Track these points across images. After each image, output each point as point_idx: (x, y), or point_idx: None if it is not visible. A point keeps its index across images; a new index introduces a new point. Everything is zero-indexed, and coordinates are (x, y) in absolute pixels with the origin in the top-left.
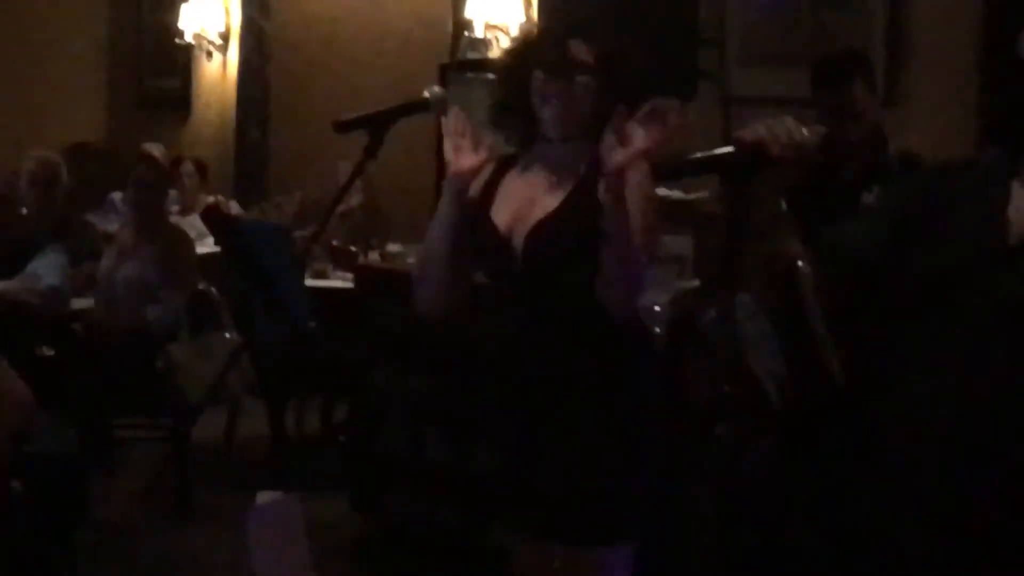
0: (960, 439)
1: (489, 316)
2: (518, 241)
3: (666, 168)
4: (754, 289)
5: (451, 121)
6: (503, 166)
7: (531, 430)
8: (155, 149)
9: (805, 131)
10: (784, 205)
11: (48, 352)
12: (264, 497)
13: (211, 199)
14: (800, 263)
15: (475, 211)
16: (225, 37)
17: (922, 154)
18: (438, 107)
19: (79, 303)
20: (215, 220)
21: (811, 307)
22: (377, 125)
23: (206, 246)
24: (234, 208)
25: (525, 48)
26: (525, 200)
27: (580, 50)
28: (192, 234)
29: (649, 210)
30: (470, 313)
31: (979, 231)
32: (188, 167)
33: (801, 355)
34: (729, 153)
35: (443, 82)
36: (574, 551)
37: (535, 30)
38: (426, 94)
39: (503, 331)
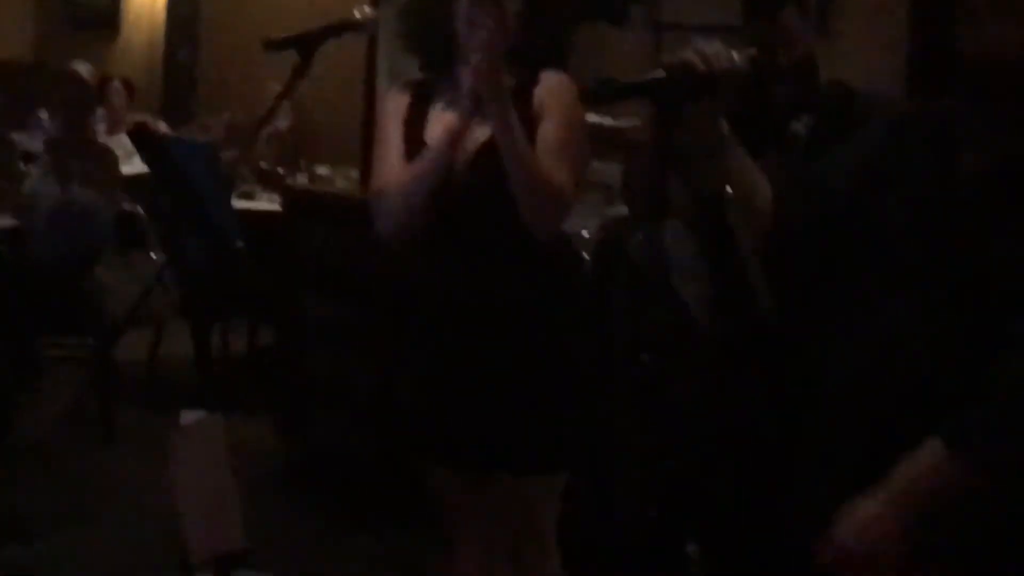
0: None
1: (423, 243)
2: (458, 168)
3: (595, 94)
4: (682, 214)
5: None
6: (422, 93)
7: (462, 360)
8: (82, 68)
9: (735, 55)
10: (726, 127)
11: None
12: (187, 417)
13: (139, 118)
14: (728, 188)
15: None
16: None
17: (853, 85)
18: (368, 29)
19: (2, 222)
20: (143, 139)
21: (739, 232)
22: (307, 45)
23: (133, 166)
24: (162, 128)
25: None
26: (455, 121)
27: None
28: (119, 153)
29: (577, 138)
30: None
31: (930, 187)
32: (116, 86)
33: (728, 279)
34: (658, 78)
35: (375, 3)
36: (507, 482)
37: None
38: (357, 15)
39: (437, 258)
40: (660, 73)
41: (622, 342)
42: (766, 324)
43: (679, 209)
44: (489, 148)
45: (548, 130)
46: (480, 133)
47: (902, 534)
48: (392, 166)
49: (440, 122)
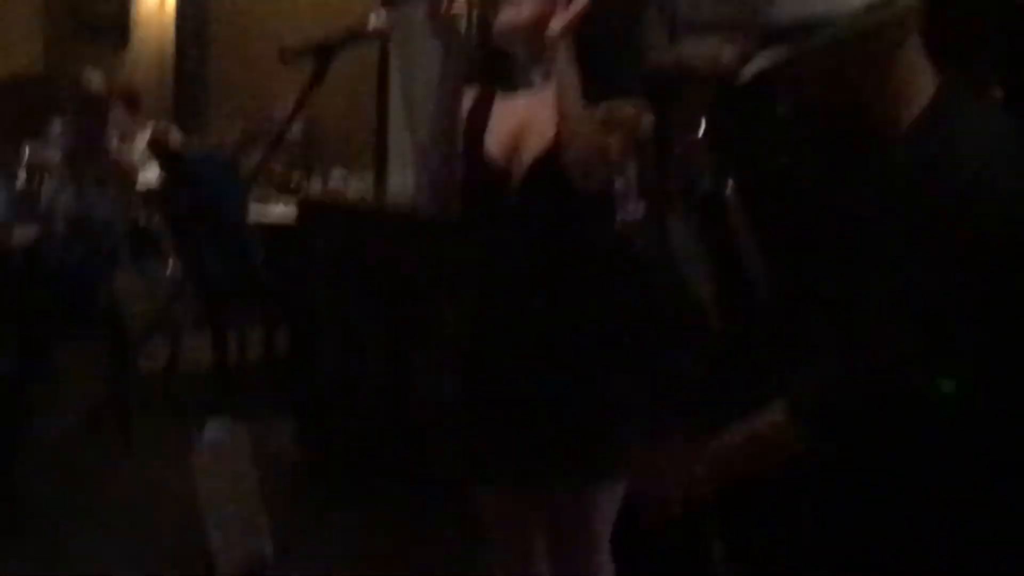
0: None
1: (469, 245)
2: (515, 175)
3: (598, 90)
4: (685, 209)
5: None
6: (486, 92)
7: (517, 378)
8: (94, 77)
9: (726, 51)
10: (702, 128)
11: None
12: (211, 429)
13: (153, 125)
14: (729, 185)
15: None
16: None
17: None
18: (383, 35)
19: (21, 234)
20: (163, 153)
21: (739, 226)
22: (323, 54)
23: (147, 175)
24: (175, 137)
25: None
26: (514, 129)
27: None
28: (133, 163)
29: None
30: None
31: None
32: (120, 98)
33: (729, 273)
34: (653, 73)
35: (385, 4)
36: (567, 496)
37: None
38: (372, 21)
39: (491, 271)
40: (656, 70)
41: (635, 339)
42: (767, 314)
43: (683, 204)
44: (544, 162)
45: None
46: (535, 146)
47: (714, 472)
48: None
49: (503, 111)
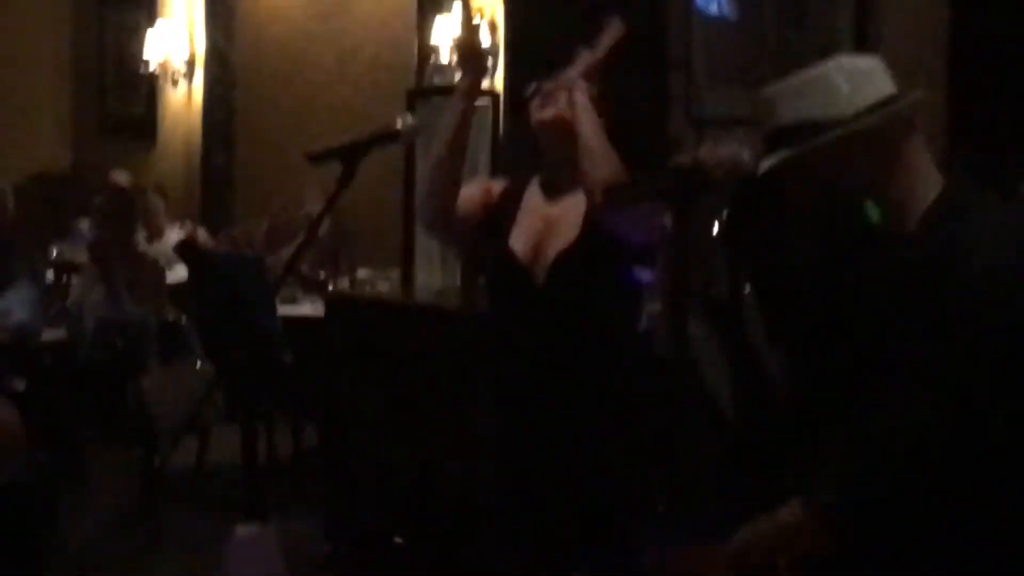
0: None
1: (500, 347)
2: (539, 271)
3: (613, 196)
4: (701, 308)
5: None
6: (517, 189)
7: (544, 464)
8: (122, 177)
9: (744, 152)
10: (716, 228)
11: (19, 386)
12: (242, 531)
13: (180, 225)
14: (747, 286)
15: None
16: (190, 64)
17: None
18: (410, 136)
19: (49, 334)
20: (191, 257)
21: (756, 330)
22: (350, 156)
23: (175, 273)
24: (202, 235)
25: None
26: (540, 227)
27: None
28: (160, 261)
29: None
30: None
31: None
32: (150, 195)
33: (744, 374)
34: (671, 177)
35: (410, 108)
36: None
37: None
38: (399, 125)
39: (513, 354)
40: (674, 172)
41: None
42: (784, 412)
43: (700, 303)
44: (566, 257)
45: None
46: (563, 234)
47: (733, 569)
48: None
49: (530, 207)
